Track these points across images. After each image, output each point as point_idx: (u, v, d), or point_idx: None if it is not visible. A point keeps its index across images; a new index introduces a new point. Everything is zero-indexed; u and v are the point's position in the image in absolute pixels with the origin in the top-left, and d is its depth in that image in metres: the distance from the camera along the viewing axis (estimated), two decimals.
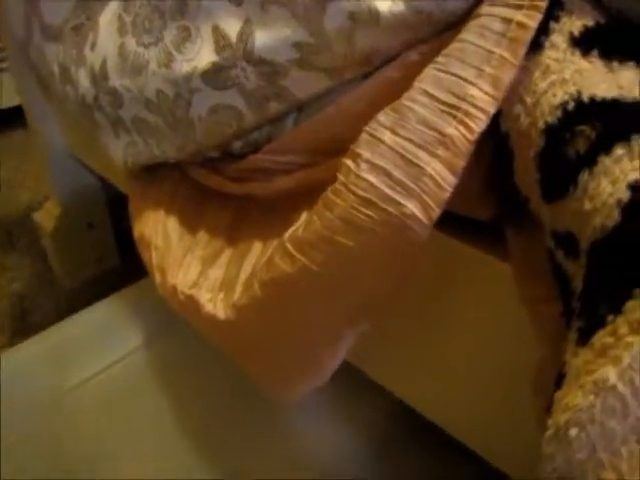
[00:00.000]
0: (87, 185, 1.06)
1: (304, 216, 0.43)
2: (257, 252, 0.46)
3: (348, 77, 0.40)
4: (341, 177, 0.35)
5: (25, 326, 1.05)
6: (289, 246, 0.37)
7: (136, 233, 0.54)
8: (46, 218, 1.07)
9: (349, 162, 0.35)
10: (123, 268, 1.16)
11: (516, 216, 0.40)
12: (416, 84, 0.34)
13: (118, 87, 0.51)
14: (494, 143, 0.36)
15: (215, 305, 0.44)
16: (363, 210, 0.34)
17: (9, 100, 1.44)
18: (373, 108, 0.39)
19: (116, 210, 1.11)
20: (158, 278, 0.49)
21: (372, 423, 0.65)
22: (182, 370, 0.81)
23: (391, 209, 0.33)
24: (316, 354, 0.43)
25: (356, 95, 0.41)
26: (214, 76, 0.43)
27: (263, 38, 0.40)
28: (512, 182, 0.37)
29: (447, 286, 0.46)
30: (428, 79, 0.34)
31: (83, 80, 0.56)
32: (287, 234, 0.39)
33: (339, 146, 0.42)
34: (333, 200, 0.35)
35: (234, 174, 0.50)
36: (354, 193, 0.34)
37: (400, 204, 0.33)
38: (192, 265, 0.48)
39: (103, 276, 1.13)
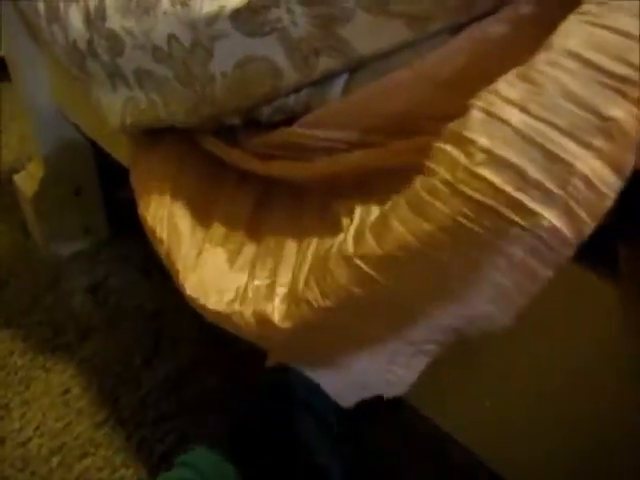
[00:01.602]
0: (75, 146, 0.95)
1: (360, 211, 0.33)
2: (292, 255, 0.37)
3: (433, 29, 0.30)
4: (442, 172, 0.26)
5: (1, 301, 0.95)
6: (360, 264, 0.29)
7: (140, 216, 0.45)
8: (28, 181, 0.97)
9: (455, 151, 0.25)
10: (113, 240, 1.05)
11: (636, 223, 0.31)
12: (558, 42, 0.25)
13: (118, 30, 0.42)
14: None
15: (243, 317, 0.35)
16: (479, 220, 0.25)
17: None
18: (463, 76, 0.30)
19: (107, 175, 1.01)
20: (173, 275, 0.40)
21: None
22: None
23: (522, 220, 0.25)
24: (380, 372, 0.34)
25: (440, 56, 0.31)
26: (248, 18, 0.34)
27: None
28: None
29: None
30: (577, 36, 0.24)
31: (75, 21, 0.46)
32: (350, 243, 0.30)
33: (408, 124, 0.33)
34: (431, 204, 0.26)
35: (259, 149, 0.40)
36: (465, 196, 0.25)
37: (536, 214, 0.24)
38: (206, 268, 0.39)
39: (90, 248, 1.03)
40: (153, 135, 0.48)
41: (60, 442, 0.77)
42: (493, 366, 0.42)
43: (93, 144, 0.93)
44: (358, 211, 0.33)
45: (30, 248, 1.03)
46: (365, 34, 0.31)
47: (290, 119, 0.39)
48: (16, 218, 1.06)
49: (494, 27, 0.30)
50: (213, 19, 0.34)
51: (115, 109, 0.45)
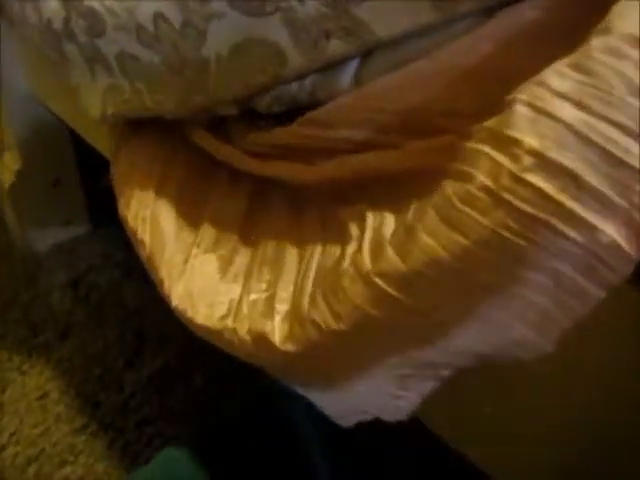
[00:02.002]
0: (53, 134, 0.92)
1: (372, 220, 0.30)
2: (292, 264, 0.33)
3: (462, 10, 0.27)
4: (482, 177, 0.22)
5: None
6: (380, 282, 0.25)
7: (120, 215, 0.41)
8: (3, 172, 0.93)
9: (497, 154, 0.22)
10: (94, 233, 1.02)
11: None
12: (616, 25, 0.21)
13: (98, 8, 0.38)
14: None
15: (237, 334, 0.32)
16: (526, 234, 0.22)
17: None
18: (491, 67, 0.27)
19: (88, 164, 0.95)
20: (156, 283, 0.36)
21: None
22: None
23: (577, 234, 0.21)
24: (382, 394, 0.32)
25: (465, 44, 0.28)
26: None
27: None
28: None
29: None
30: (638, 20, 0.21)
31: None
32: (366, 258, 0.27)
33: (427, 122, 0.29)
34: (467, 214, 0.23)
35: (255, 147, 0.36)
36: (510, 206, 0.22)
37: (593, 227, 0.21)
38: (194, 276, 0.35)
39: (70, 242, 0.99)
40: (137, 125, 0.44)
41: (37, 450, 0.73)
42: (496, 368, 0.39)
43: (72, 132, 0.89)
44: (370, 219, 0.29)
45: (7, 242, 0.99)
46: (385, 15, 0.27)
47: (292, 109, 0.35)
48: None
49: (527, 13, 0.26)
50: None
51: (95, 98, 0.41)
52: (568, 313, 0.24)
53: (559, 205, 0.21)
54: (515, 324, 0.25)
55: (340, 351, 0.29)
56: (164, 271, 0.37)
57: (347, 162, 0.32)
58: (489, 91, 0.27)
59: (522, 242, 0.22)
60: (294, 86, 0.33)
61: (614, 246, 0.22)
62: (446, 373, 0.30)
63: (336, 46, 0.29)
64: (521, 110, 0.22)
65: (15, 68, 0.82)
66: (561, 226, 0.21)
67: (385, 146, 0.31)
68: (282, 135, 0.34)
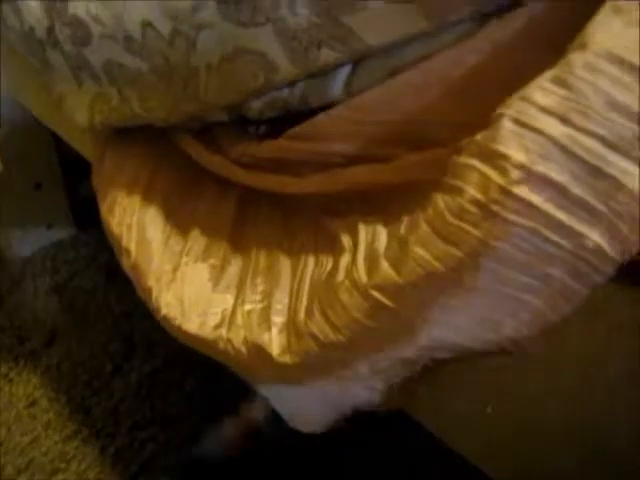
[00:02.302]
0: (35, 137, 0.90)
1: (364, 233, 0.30)
2: (286, 275, 0.34)
3: (452, 18, 0.27)
4: (472, 191, 0.23)
5: None
6: (376, 294, 0.26)
7: (102, 220, 0.40)
8: None
9: (486, 168, 0.23)
10: (78, 237, 1.00)
11: None
12: (594, 40, 0.22)
13: (84, 17, 0.38)
14: None
15: (232, 345, 0.31)
16: (516, 243, 0.23)
17: None
18: (478, 78, 0.28)
19: (69, 168, 0.96)
20: (141, 295, 0.36)
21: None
22: None
23: (565, 242, 0.23)
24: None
25: (453, 55, 0.28)
26: (238, 4, 0.29)
27: None
28: None
29: None
30: (614, 37, 0.22)
31: (32, 4, 0.41)
32: (362, 272, 0.27)
33: (417, 133, 0.30)
34: (460, 227, 0.23)
35: (245, 159, 0.36)
36: (500, 218, 0.23)
37: (579, 234, 0.22)
38: (184, 285, 0.35)
39: (54, 246, 0.98)
40: (125, 131, 0.44)
41: (28, 459, 0.72)
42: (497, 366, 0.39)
43: (54, 135, 0.88)
44: (362, 232, 0.30)
45: None
46: (375, 24, 0.27)
47: (282, 115, 0.35)
48: None
49: (512, 25, 0.27)
50: (197, 6, 0.30)
51: (82, 106, 0.41)
52: (557, 310, 0.25)
53: (547, 215, 0.22)
54: (507, 321, 0.26)
55: (332, 359, 0.29)
56: (152, 279, 0.37)
57: (339, 176, 0.32)
58: (478, 101, 0.27)
59: (512, 250, 0.23)
60: (285, 91, 0.33)
61: (599, 251, 0.23)
62: (419, 367, 0.31)
63: (327, 55, 0.29)
64: (507, 125, 0.22)
65: None
66: (550, 234, 0.22)
67: (377, 159, 0.31)
68: (269, 148, 0.34)
